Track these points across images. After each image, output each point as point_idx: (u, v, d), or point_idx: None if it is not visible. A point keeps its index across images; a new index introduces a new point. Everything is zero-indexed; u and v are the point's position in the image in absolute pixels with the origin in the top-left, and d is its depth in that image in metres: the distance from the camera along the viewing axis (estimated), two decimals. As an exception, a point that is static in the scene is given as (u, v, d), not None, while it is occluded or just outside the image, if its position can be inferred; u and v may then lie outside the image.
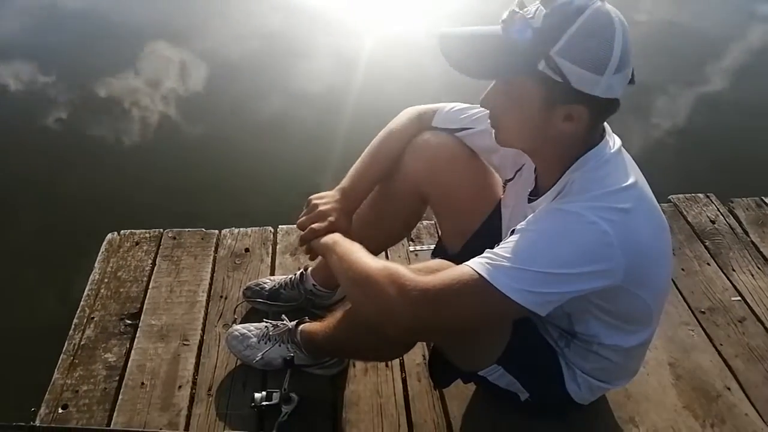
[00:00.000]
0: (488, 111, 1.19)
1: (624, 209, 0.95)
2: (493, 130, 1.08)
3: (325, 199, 1.30)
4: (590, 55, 0.90)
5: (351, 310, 1.29)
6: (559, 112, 0.96)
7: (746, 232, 2.08)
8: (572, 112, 0.95)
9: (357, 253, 1.08)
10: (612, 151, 1.03)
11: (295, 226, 1.93)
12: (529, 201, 1.15)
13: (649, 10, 5.04)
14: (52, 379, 1.48)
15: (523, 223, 0.99)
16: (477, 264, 0.94)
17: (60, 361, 1.53)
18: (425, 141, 1.37)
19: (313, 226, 1.24)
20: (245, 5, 4.86)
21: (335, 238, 1.18)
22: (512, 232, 0.99)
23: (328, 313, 1.49)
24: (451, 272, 0.96)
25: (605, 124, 1.06)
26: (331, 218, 1.25)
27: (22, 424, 1.31)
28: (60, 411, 1.41)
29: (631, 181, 0.99)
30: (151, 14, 4.58)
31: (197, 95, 3.74)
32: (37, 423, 1.36)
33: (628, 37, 0.93)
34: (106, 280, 1.77)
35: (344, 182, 1.35)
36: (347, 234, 1.21)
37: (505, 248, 0.95)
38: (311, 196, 1.31)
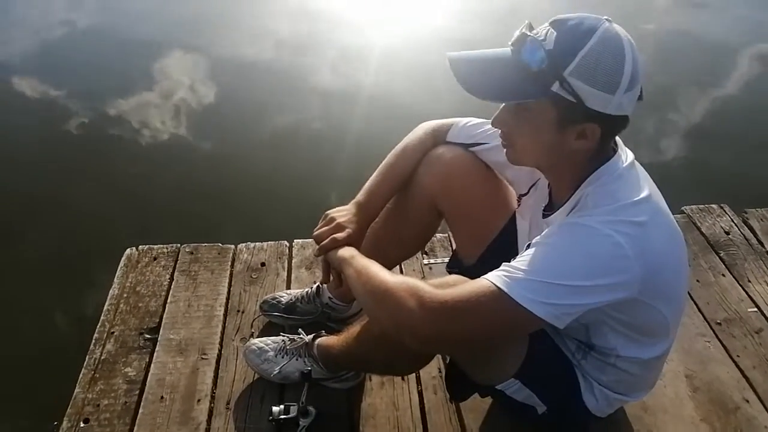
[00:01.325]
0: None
1: (639, 222, 0.96)
2: (505, 150, 1.10)
3: (343, 212, 1.31)
4: (602, 75, 0.92)
5: (368, 324, 1.31)
6: (572, 131, 0.98)
7: (761, 243, 2.07)
8: (585, 130, 0.97)
9: (374, 267, 1.10)
10: (625, 165, 1.04)
11: (310, 239, 1.97)
12: (544, 216, 1.16)
13: (661, 20, 5.05)
14: (74, 394, 1.50)
15: (539, 237, 1.00)
16: (495, 277, 0.96)
17: (81, 375, 1.55)
18: (440, 155, 1.39)
19: (333, 236, 1.25)
20: (256, 16, 4.91)
21: (352, 252, 1.19)
22: (528, 246, 1.00)
23: (344, 327, 1.49)
24: (469, 285, 0.97)
25: (617, 138, 1.07)
26: (348, 230, 1.27)
27: (46, 437, 1.34)
28: (82, 425, 1.43)
29: (644, 194, 1.00)
30: (161, 29, 4.65)
31: (211, 109, 3.79)
32: (60, 437, 1.38)
33: (637, 55, 0.95)
34: (125, 295, 1.80)
35: (360, 196, 1.36)
36: (360, 247, 1.23)
37: (522, 261, 0.96)
38: (328, 211, 1.33)
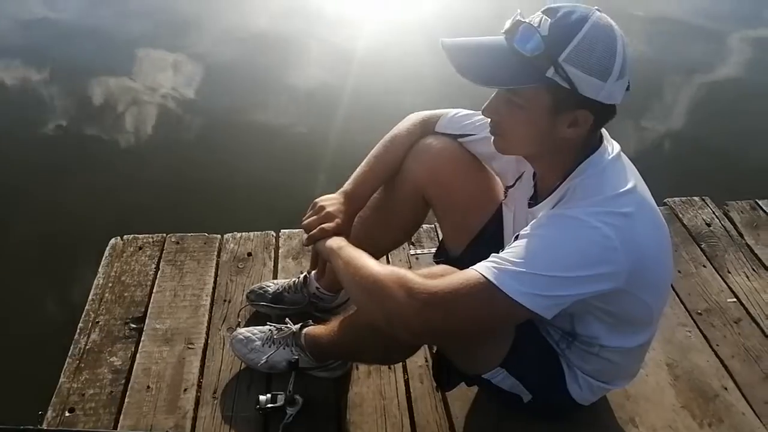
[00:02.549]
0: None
1: (626, 213, 0.98)
2: (493, 138, 1.10)
3: (331, 201, 1.31)
4: (596, 61, 0.93)
5: (355, 314, 1.31)
6: (564, 118, 0.99)
7: (741, 235, 2.11)
8: (578, 117, 0.98)
9: (363, 258, 1.10)
10: (611, 156, 1.06)
11: (297, 230, 1.97)
12: (529, 206, 1.18)
13: (645, 10, 5.08)
14: (59, 383, 1.49)
15: (527, 228, 1.02)
16: (484, 268, 0.97)
17: (66, 364, 1.54)
18: (428, 145, 1.39)
19: (322, 226, 1.25)
20: (240, 7, 4.87)
21: (340, 243, 1.20)
22: (516, 237, 1.01)
23: (331, 316, 1.51)
24: (458, 276, 0.98)
25: (603, 129, 1.08)
26: (338, 220, 1.27)
27: (30, 427, 1.32)
28: (67, 414, 1.42)
29: (630, 185, 1.02)
30: (146, 18, 4.59)
31: (197, 99, 3.75)
32: (44, 426, 1.37)
33: (626, 44, 0.97)
34: (110, 285, 1.78)
35: (347, 186, 1.36)
36: (348, 236, 1.24)
37: (510, 252, 0.97)
38: (317, 199, 1.33)
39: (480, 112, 1.34)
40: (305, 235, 1.27)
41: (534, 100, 0.99)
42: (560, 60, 0.93)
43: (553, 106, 0.98)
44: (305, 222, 1.29)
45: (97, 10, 4.78)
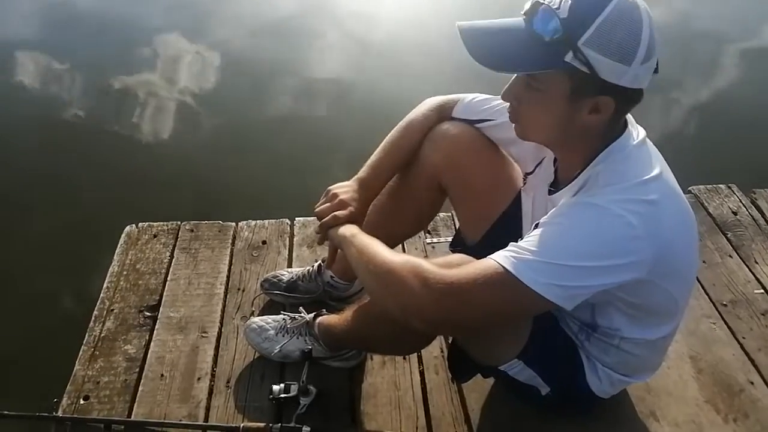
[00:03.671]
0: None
1: (650, 201, 0.94)
2: (514, 124, 1.06)
3: (345, 188, 1.29)
4: (618, 45, 0.88)
5: (369, 303, 1.29)
6: (585, 105, 0.94)
7: (769, 224, 2.04)
8: (599, 103, 0.94)
9: (376, 246, 1.08)
10: (636, 142, 1.01)
11: (312, 218, 1.95)
12: (550, 193, 1.14)
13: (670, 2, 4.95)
14: (74, 371, 1.50)
15: (547, 216, 0.98)
16: (502, 257, 0.93)
17: (81, 352, 1.55)
18: (444, 131, 1.36)
19: (335, 213, 1.22)
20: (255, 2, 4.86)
21: (353, 230, 1.17)
22: (536, 226, 0.98)
23: (345, 305, 1.48)
24: (475, 265, 0.95)
25: (629, 114, 1.04)
26: (351, 207, 1.24)
27: (45, 414, 1.33)
28: (81, 402, 1.43)
29: (656, 172, 0.98)
30: (164, 8, 4.59)
31: (213, 88, 3.74)
32: (60, 413, 1.37)
33: (653, 25, 0.91)
34: (125, 273, 1.78)
35: (362, 172, 1.34)
36: (362, 224, 1.21)
37: (530, 242, 0.94)
38: (330, 186, 1.30)
39: (498, 96, 1.32)
40: (318, 222, 1.25)
41: (553, 85, 0.94)
42: (580, 44, 0.89)
43: (572, 91, 0.93)
44: (318, 209, 1.26)
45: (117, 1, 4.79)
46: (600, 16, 0.88)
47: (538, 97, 0.97)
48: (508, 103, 1.05)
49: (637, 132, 1.04)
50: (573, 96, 0.94)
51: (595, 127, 0.98)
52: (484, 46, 0.96)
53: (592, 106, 0.94)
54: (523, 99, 1.00)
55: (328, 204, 1.25)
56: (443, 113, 1.38)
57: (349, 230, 1.17)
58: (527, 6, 0.94)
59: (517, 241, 0.96)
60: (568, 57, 0.90)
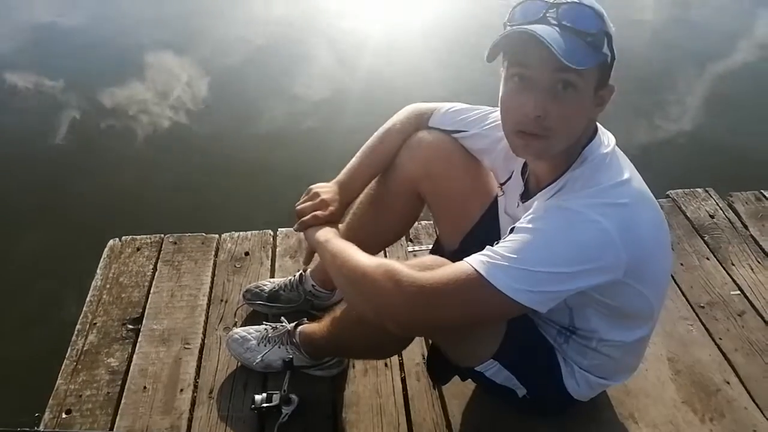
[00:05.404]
0: (483, 114, 1.21)
1: (623, 204, 0.96)
2: (523, 143, 0.99)
3: (326, 188, 1.31)
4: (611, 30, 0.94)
5: (347, 309, 1.31)
6: (600, 96, 0.98)
7: (745, 226, 2.07)
8: (605, 93, 0.98)
9: (350, 250, 1.09)
10: (607, 149, 1.04)
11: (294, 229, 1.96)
12: (523, 201, 1.16)
13: (649, 6, 5.04)
14: (56, 385, 1.50)
15: (522, 220, 1.00)
16: (476, 261, 0.95)
17: (63, 366, 1.54)
18: (420, 139, 1.38)
19: (315, 213, 1.24)
20: (246, 11, 4.87)
21: (328, 235, 1.19)
22: (512, 230, 0.99)
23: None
24: (449, 269, 0.96)
25: (597, 122, 1.07)
26: (331, 208, 1.26)
27: (27, 429, 1.33)
28: (64, 416, 1.42)
29: (626, 176, 1.01)
30: (151, 22, 4.61)
31: (196, 102, 3.76)
32: (41, 428, 1.37)
33: None
34: (108, 286, 1.78)
35: (341, 176, 1.36)
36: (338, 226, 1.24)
37: (505, 247, 0.95)
38: (312, 185, 1.32)
39: (474, 107, 1.35)
40: (298, 220, 1.26)
41: (588, 80, 0.94)
42: (610, 30, 0.93)
43: (597, 84, 0.96)
44: (299, 207, 1.28)
45: (104, 17, 4.79)
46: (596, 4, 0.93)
47: (573, 97, 0.94)
48: (481, 114, 1.07)
49: (607, 138, 1.07)
50: (596, 89, 0.96)
51: (591, 122, 1.01)
52: (559, 47, 0.89)
53: (601, 96, 0.97)
54: (552, 109, 0.94)
55: (309, 203, 1.27)
56: (420, 122, 1.40)
57: (324, 234, 1.19)
58: (559, 10, 0.91)
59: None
60: (605, 47, 0.93)
